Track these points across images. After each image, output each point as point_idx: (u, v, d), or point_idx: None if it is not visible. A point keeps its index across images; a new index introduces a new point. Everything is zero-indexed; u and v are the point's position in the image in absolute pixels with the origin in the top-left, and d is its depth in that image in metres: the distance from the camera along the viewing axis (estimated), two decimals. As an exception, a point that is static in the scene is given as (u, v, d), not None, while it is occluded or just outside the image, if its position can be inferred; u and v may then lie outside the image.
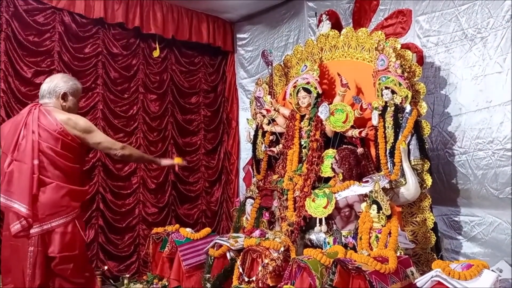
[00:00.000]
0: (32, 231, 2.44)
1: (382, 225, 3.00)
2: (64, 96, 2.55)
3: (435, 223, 3.39)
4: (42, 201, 2.43)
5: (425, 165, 3.37)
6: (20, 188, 2.37)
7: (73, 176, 2.57)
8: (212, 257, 3.60)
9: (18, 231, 2.43)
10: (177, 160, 3.25)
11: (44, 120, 2.44)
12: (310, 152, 3.74)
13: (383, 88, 3.49)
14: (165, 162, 3.33)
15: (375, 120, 3.51)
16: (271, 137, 4.33)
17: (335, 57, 4.12)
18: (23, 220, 2.42)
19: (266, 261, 3.17)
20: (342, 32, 4.09)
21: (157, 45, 5.22)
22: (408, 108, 3.38)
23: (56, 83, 2.55)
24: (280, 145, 4.15)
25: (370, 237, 3.03)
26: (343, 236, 3.31)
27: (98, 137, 2.67)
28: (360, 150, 3.57)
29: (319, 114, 3.75)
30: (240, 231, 3.98)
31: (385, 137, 3.47)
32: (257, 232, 3.49)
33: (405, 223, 3.42)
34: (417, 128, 3.36)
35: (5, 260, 2.57)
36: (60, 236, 2.50)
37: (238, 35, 5.87)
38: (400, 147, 3.29)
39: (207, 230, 4.16)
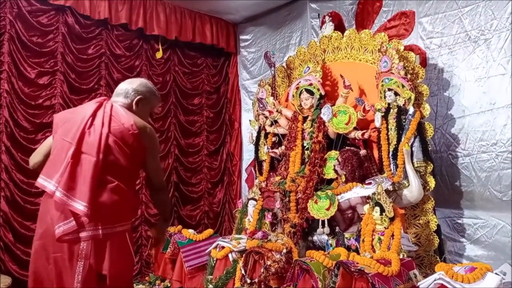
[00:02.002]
0: (82, 234, 1.98)
1: (385, 227, 2.99)
2: (139, 102, 2.26)
3: (438, 226, 3.38)
4: (101, 201, 2.01)
5: (428, 167, 3.36)
6: (82, 183, 1.97)
7: (132, 184, 2.24)
8: (214, 259, 3.60)
9: (66, 232, 1.96)
10: None
11: (119, 116, 2.12)
12: (312, 153, 3.74)
13: (386, 89, 3.49)
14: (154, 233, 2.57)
15: (378, 122, 3.51)
16: (273, 139, 4.33)
17: (338, 58, 4.12)
18: (75, 220, 1.98)
19: (268, 262, 3.17)
20: (345, 34, 4.09)
21: (160, 46, 5.23)
22: (411, 110, 3.37)
23: (138, 86, 2.28)
24: (283, 147, 4.15)
25: (373, 239, 3.02)
26: (346, 238, 3.30)
27: (157, 164, 2.32)
28: (363, 152, 3.57)
29: (321, 115, 3.74)
30: (243, 232, 3.98)
31: (388, 139, 3.46)
32: (259, 234, 3.49)
33: (408, 225, 3.41)
34: (420, 130, 3.35)
35: (38, 276, 2.06)
36: (114, 249, 2.05)
37: (241, 37, 5.87)
38: (403, 149, 3.28)
39: (209, 231, 4.16)
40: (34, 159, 2.23)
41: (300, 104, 3.98)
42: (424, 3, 4.02)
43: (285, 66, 4.53)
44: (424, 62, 3.90)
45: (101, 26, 4.82)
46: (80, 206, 1.96)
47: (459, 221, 3.70)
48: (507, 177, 3.41)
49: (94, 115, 2.11)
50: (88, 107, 2.15)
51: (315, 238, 3.44)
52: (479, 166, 3.57)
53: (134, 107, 2.26)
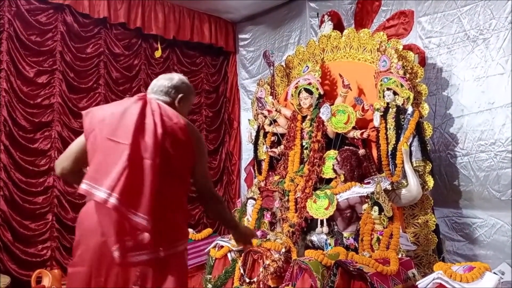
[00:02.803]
0: (142, 257, 1.63)
1: (383, 226, 3.00)
2: (181, 100, 1.98)
3: (436, 225, 3.38)
4: (161, 214, 1.67)
5: (427, 167, 3.36)
6: (140, 191, 1.63)
7: (186, 193, 1.93)
8: (213, 258, 3.60)
9: (124, 256, 1.60)
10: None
11: (170, 115, 1.81)
12: (311, 153, 3.74)
13: (385, 89, 3.49)
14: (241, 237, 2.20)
15: (376, 122, 3.51)
16: (272, 138, 4.33)
17: (337, 58, 4.12)
18: (132, 237, 1.62)
19: (267, 262, 3.17)
20: (344, 33, 4.09)
21: (159, 45, 5.22)
22: (410, 109, 3.37)
23: (178, 83, 2.00)
24: (282, 146, 4.15)
25: (371, 238, 3.03)
26: (345, 237, 3.31)
27: (205, 169, 2.04)
28: (361, 151, 3.57)
29: (320, 115, 3.74)
30: (241, 231, 3.97)
31: (386, 139, 3.47)
32: (258, 233, 3.49)
33: (406, 224, 3.41)
34: (419, 130, 3.36)
35: None
36: (175, 273, 1.72)
37: (240, 36, 5.87)
38: (402, 148, 3.28)
39: (208, 230, 4.17)
40: (62, 164, 1.87)
41: (299, 103, 3.98)
42: (423, 3, 4.02)
43: (284, 65, 4.53)
44: (423, 61, 3.91)
45: (99, 25, 4.81)
46: (140, 219, 1.59)
47: (458, 221, 3.70)
48: (506, 177, 3.41)
49: (142, 112, 1.76)
50: (130, 103, 1.81)
51: (314, 237, 3.44)
52: (477, 165, 3.58)
53: (176, 105, 1.97)
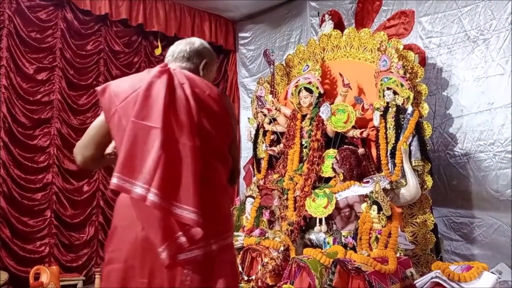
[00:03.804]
0: (191, 253, 1.40)
1: (382, 225, 3.00)
2: (205, 67, 1.70)
3: (435, 225, 3.38)
4: (207, 203, 1.42)
5: (426, 166, 3.36)
6: (182, 181, 1.38)
7: (226, 176, 1.65)
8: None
9: (174, 257, 1.37)
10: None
11: (200, 86, 1.54)
12: (311, 152, 3.74)
13: (385, 88, 3.49)
14: None
15: (376, 121, 3.51)
16: (272, 137, 4.33)
17: (337, 57, 4.12)
18: (183, 235, 1.38)
19: (265, 260, 3.17)
20: (344, 32, 4.09)
21: (159, 43, 5.22)
22: (409, 109, 3.37)
23: (200, 47, 1.72)
24: (281, 145, 4.15)
25: (370, 237, 3.03)
26: (343, 236, 3.31)
27: (238, 146, 1.81)
28: (361, 150, 3.57)
29: (320, 114, 3.74)
30: (240, 230, 3.98)
31: (386, 138, 3.47)
32: (257, 231, 3.49)
33: (405, 224, 3.42)
34: (419, 129, 3.36)
35: None
36: (227, 269, 1.51)
37: (240, 34, 5.87)
38: (401, 148, 3.28)
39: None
40: (84, 153, 1.59)
41: (299, 102, 3.98)
42: (423, 3, 4.02)
43: (284, 64, 4.53)
44: (423, 61, 3.91)
45: (100, 22, 4.81)
46: (188, 213, 1.36)
47: (456, 220, 3.71)
48: (505, 177, 3.42)
49: (170, 86, 1.49)
50: (152, 77, 1.51)
51: (312, 236, 3.44)
52: (476, 165, 3.59)
53: (200, 73, 1.70)
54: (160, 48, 5.22)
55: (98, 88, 1.56)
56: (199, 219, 1.35)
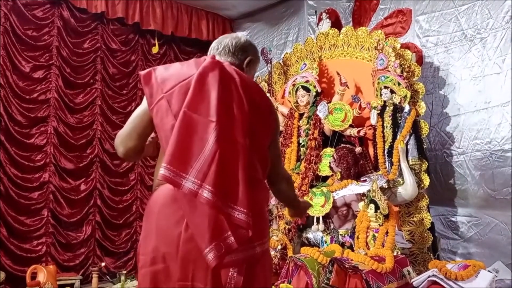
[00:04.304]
0: (237, 255, 1.33)
1: (379, 224, 3.00)
2: (249, 64, 1.64)
3: (432, 223, 3.40)
4: (254, 206, 1.35)
5: (423, 165, 3.37)
6: (234, 180, 1.32)
7: (264, 177, 1.58)
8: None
9: (220, 258, 1.28)
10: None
11: (249, 85, 1.49)
12: (308, 150, 3.74)
13: (382, 87, 3.49)
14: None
15: (373, 120, 3.52)
16: (269, 135, 4.32)
17: (335, 55, 4.12)
18: (231, 235, 1.29)
19: (263, 259, 3.17)
20: (341, 31, 4.09)
21: (156, 41, 5.20)
22: (406, 107, 3.38)
23: (246, 43, 1.65)
24: (279, 143, 4.15)
25: (367, 236, 3.04)
26: (340, 235, 3.32)
27: (279, 146, 1.78)
28: (358, 149, 3.58)
29: (317, 112, 3.74)
30: (238, 228, 3.97)
31: (383, 137, 3.47)
32: (254, 230, 3.48)
33: (402, 222, 3.43)
34: (416, 128, 3.37)
35: None
36: (267, 272, 1.49)
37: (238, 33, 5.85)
38: (398, 146, 3.29)
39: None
40: (128, 143, 1.50)
41: (296, 101, 3.98)
42: (420, 2, 4.02)
43: (282, 63, 4.52)
44: (420, 60, 3.92)
45: (97, 20, 4.79)
46: (239, 214, 1.30)
47: (453, 219, 3.72)
48: (501, 176, 3.43)
49: (223, 81, 1.42)
50: (204, 69, 1.43)
51: (309, 235, 3.45)
52: (473, 164, 3.59)
53: (244, 69, 1.62)
54: (157, 46, 5.20)
55: (142, 73, 1.48)
56: (250, 221, 1.29)
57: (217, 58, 1.55)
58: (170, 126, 1.36)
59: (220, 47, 1.62)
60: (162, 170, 1.29)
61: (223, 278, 1.32)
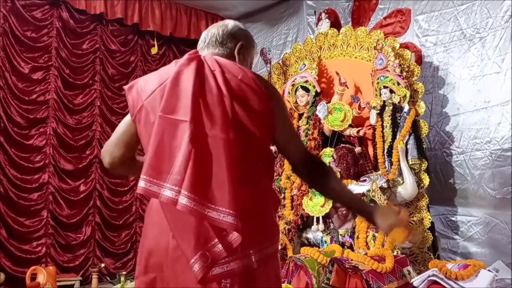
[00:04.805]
0: (229, 265, 1.20)
1: (379, 224, 3.00)
2: (240, 50, 1.51)
3: (432, 223, 3.39)
4: (244, 206, 1.21)
5: (423, 165, 3.37)
6: (216, 179, 1.21)
7: (271, 173, 1.49)
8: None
9: (207, 269, 1.17)
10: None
11: (232, 71, 1.36)
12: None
13: (382, 87, 3.49)
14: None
15: (373, 119, 3.51)
16: (269, 136, 4.32)
17: (334, 55, 4.11)
18: (220, 241, 1.19)
19: (263, 259, 3.16)
20: (341, 31, 4.09)
21: (155, 42, 5.20)
22: (406, 107, 3.38)
23: (234, 29, 1.54)
24: (278, 144, 4.14)
25: (367, 236, 3.03)
26: (340, 235, 3.31)
27: (291, 127, 1.56)
28: (358, 149, 3.57)
29: (317, 112, 3.74)
30: (237, 229, 3.97)
31: (383, 137, 3.47)
32: (254, 230, 3.48)
33: (402, 222, 3.42)
34: (415, 128, 3.36)
35: None
36: (273, 278, 1.31)
37: (237, 33, 5.85)
38: (398, 146, 3.29)
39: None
40: (113, 152, 1.45)
41: (296, 101, 3.98)
42: (420, 1, 4.02)
43: (281, 63, 4.52)
44: (419, 60, 3.91)
45: (96, 21, 4.79)
46: (224, 216, 1.16)
47: (453, 219, 3.71)
48: (501, 175, 3.43)
49: (199, 75, 1.32)
50: (180, 67, 1.35)
51: (309, 235, 3.44)
52: (473, 164, 3.59)
53: (236, 57, 1.51)
54: (156, 47, 5.20)
55: (126, 86, 1.44)
56: (236, 223, 1.15)
57: (205, 51, 1.49)
58: (151, 133, 1.29)
59: (207, 39, 1.52)
60: (140, 183, 1.23)
61: None
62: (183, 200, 1.16)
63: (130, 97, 1.39)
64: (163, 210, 1.24)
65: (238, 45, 1.50)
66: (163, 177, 1.21)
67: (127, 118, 1.43)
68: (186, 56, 1.38)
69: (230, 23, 1.55)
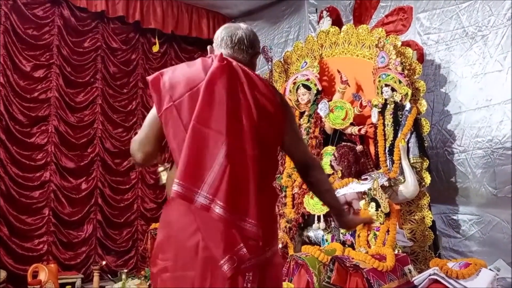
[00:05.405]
0: (249, 263, 1.38)
1: (380, 222, 3.00)
2: (254, 59, 1.61)
3: (433, 221, 3.39)
4: (263, 212, 1.40)
5: (424, 163, 3.36)
6: (243, 192, 1.36)
7: (273, 180, 1.66)
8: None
9: (235, 269, 1.34)
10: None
11: (258, 85, 1.46)
12: (309, 149, 3.74)
13: (383, 85, 3.48)
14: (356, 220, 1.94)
15: (374, 118, 3.51)
16: (270, 134, 4.32)
17: (335, 54, 4.11)
18: (244, 247, 1.35)
19: (264, 257, 3.17)
20: (342, 29, 4.08)
21: (156, 40, 5.20)
22: (407, 105, 3.37)
23: (255, 36, 1.59)
24: (279, 142, 4.14)
25: (368, 234, 3.03)
26: (341, 233, 3.31)
27: (299, 134, 1.74)
28: (359, 147, 3.57)
29: (318, 111, 3.74)
30: (238, 227, 3.97)
31: (384, 135, 3.47)
32: (255, 229, 3.48)
33: (403, 221, 3.42)
34: (417, 126, 3.36)
35: None
36: (279, 274, 1.60)
37: (238, 31, 5.84)
38: (400, 145, 3.28)
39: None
40: (146, 149, 1.50)
41: (297, 99, 3.98)
42: (422, -1, 4.01)
43: (282, 61, 4.51)
44: (421, 58, 3.90)
45: (97, 19, 4.79)
46: (250, 226, 1.35)
47: (454, 217, 3.71)
48: (503, 174, 3.42)
49: (232, 88, 1.40)
50: (213, 74, 1.41)
51: (310, 233, 3.44)
52: (474, 162, 3.58)
53: (252, 65, 1.58)
54: (157, 45, 5.21)
55: (150, 78, 1.46)
56: (260, 232, 1.35)
57: (228, 52, 1.53)
58: (182, 138, 1.37)
59: (233, 40, 1.55)
60: (175, 186, 1.33)
61: (240, 282, 1.36)
62: (216, 208, 1.31)
63: (156, 93, 1.43)
64: (193, 214, 1.37)
65: (256, 54, 1.59)
66: (198, 185, 1.33)
67: (154, 114, 1.47)
68: (216, 62, 1.43)
69: (251, 29, 1.61)
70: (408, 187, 3.25)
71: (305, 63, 4.09)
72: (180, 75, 1.46)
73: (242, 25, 1.62)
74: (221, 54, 1.48)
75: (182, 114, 1.39)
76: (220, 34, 1.59)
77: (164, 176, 1.72)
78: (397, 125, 3.39)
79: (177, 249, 1.40)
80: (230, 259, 1.33)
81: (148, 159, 1.52)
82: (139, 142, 1.51)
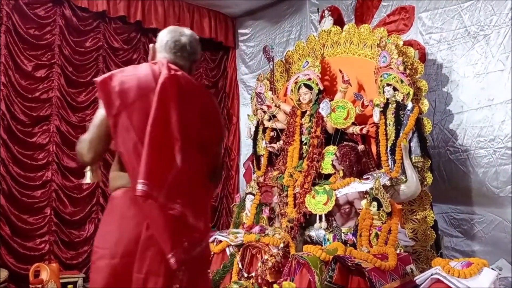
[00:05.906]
0: (189, 255, 1.53)
1: (382, 222, 3.00)
2: (194, 65, 1.70)
3: (435, 221, 3.38)
4: (203, 206, 1.65)
5: (426, 163, 3.36)
6: (194, 189, 1.56)
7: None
8: (212, 253, 3.60)
9: (180, 259, 1.47)
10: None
11: (200, 95, 1.61)
12: (310, 148, 3.74)
13: (385, 85, 3.48)
14: None
15: (376, 117, 3.50)
16: (271, 133, 4.33)
17: (337, 53, 4.10)
18: (186, 241, 1.52)
19: (265, 257, 3.17)
20: (344, 28, 4.08)
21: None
22: (409, 105, 3.36)
23: (197, 42, 1.66)
24: (281, 142, 4.15)
25: (370, 234, 3.03)
26: (343, 233, 3.31)
27: (222, 143, 1.88)
28: (361, 147, 3.57)
29: (320, 110, 3.74)
30: (240, 227, 3.98)
31: (386, 134, 3.46)
32: (256, 228, 3.49)
33: (405, 220, 3.41)
34: (419, 126, 3.35)
35: None
36: (208, 259, 1.89)
37: (240, 31, 5.84)
38: (401, 144, 3.28)
39: (207, 225, 4.15)
40: (97, 148, 1.58)
41: (299, 98, 3.97)
42: (423, -2, 4.00)
43: (284, 61, 4.51)
44: (423, 57, 3.90)
45: (98, 19, 4.79)
46: (196, 220, 1.53)
47: (456, 217, 3.70)
48: (505, 173, 3.42)
49: (181, 95, 1.49)
50: (164, 84, 1.48)
51: (312, 232, 3.44)
52: (476, 162, 3.58)
53: (191, 70, 1.68)
54: (159, 45, 5.20)
55: (98, 80, 1.50)
56: (206, 227, 1.57)
57: (171, 57, 1.60)
58: (133, 144, 1.46)
59: (176, 46, 1.62)
60: (138, 186, 1.43)
61: (177, 276, 1.48)
62: (176, 206, 1.46)
63: (105, 94, 1.49)
64: (140, 208, 1.48)
65: (195, 61, 1.68)
66: (157, 184, 1.45)
67: (103, 114, 1.52)
68: (165, 71, 1.51)
69: (193, 35, 1.67)
70: (410, 186, 3.25)
71: (306, 63, 4.09)
72: (129, 80, 1.52)
73: (186, 31, 1.67)
74: (167, 63, 1.56)
75: (134, 121, 1.47)
76: (165, 37, 1.65)
77: (89, 174, 1.75)
78: (399, 124, 3.39)
79: (120, 238, 1.49)
80: (176, 253, 1.45)
81: (98, 158, 1.62)
82: (89, 141, 1.55)
